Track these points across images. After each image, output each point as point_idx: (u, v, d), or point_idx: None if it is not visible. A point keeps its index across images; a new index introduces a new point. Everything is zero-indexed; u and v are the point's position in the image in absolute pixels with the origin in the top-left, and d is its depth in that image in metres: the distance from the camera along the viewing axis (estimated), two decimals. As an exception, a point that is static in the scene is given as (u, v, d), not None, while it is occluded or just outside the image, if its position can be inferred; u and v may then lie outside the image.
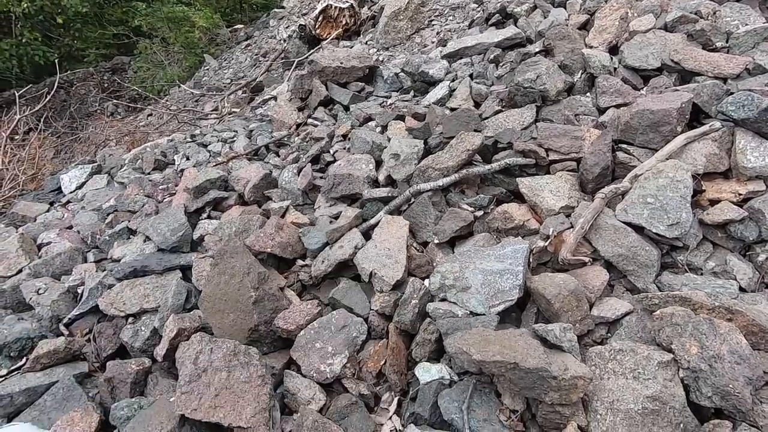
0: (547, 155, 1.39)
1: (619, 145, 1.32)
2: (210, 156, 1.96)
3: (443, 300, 1.12)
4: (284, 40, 4.44)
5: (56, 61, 8.58)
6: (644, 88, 1.62)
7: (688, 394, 0.82)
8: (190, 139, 2.21)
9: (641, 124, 1.27)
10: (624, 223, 1.12)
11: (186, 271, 1.40)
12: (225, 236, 1.36)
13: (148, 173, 2.00)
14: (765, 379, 0.80)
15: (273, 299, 1.18)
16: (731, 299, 0.89)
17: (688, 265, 1.08)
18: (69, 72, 10.15)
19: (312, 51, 4.13)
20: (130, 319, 1.29)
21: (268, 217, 1.51)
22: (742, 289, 1.02)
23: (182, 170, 1.88)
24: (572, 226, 1.20)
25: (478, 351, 0.87)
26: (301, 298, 1.34)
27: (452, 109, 1.81)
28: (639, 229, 1.11)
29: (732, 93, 1.32)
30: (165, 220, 1.50)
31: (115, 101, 8.58)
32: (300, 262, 1.38)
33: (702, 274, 1.07)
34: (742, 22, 1.64)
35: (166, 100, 6.24)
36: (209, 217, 1.56)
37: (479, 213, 1.33)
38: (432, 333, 1.07)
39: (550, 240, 1.16)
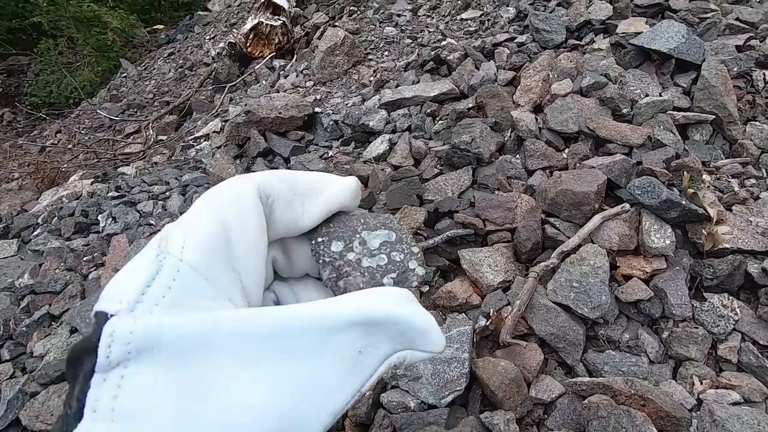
0: (485, 225, 1.49)
1: (548, 218, 1.45)
2: (140, 217, 1.83)
3: (395, 387, 1.17)
4: (213, 59, 4.22)
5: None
6: (566, 150, 1.78)
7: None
8: (114, 192, 2.04)
9: (565, 202, 1.40)
10: (554, 303, 1.24)
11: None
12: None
13: (68, 238, 1.82)
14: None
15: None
16: (643, 382, 1.03)
17: (608, 339, 1.22)
18: (-49, 74, 8.86)
19: (245, 74, 3.98)
20: (61, 433, 1.17)
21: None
22: (651, 362, 1.18)
23: (109, 235, 1.73)
24: (509, 304, 1.30)
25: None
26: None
27: (394, 167, 1.86)
28: (567, 308, 1.23)
29: (640, 168, 1.50)
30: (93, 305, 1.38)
31: (11, 110, 7.64)
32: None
33: (619, 346, 1.22)
34: (643, 91, 1.86)
35: (77, 116, 5.65)
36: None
37: (426, 289, 1.40)
38: (386, 428, 1.11)
39: (491, 320, 1.25)
